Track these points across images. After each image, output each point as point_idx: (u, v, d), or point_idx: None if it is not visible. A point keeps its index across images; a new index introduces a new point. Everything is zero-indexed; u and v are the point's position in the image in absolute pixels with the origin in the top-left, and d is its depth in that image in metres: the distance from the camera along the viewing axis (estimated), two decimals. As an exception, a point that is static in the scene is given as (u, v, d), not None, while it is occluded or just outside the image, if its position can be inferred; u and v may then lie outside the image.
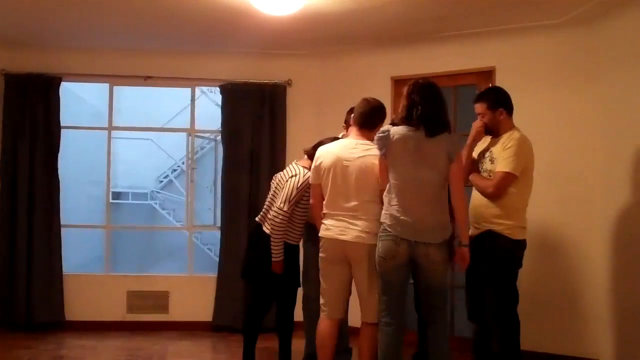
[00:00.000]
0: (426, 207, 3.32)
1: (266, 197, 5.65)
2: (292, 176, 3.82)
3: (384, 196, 3.44)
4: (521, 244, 3.72)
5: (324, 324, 3.66)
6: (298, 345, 4.11)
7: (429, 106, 3.34)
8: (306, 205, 3.88)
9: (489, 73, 4.91)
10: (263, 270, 3.92)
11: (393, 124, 3.43)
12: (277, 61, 5.84)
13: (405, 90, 3.42)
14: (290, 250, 3.95)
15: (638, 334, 4.04)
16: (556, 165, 4.65)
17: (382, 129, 3.43)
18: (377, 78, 5.42)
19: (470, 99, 4.01)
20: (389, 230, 3.34)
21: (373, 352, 3.58)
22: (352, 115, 3.82)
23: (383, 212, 3.41)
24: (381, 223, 3.40)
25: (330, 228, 3.59)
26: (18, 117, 5.61)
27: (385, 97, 5.21)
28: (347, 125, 4.17)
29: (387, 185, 3.42)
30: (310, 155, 3.86)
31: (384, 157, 3.40)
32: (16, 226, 5.58)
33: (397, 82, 5.40)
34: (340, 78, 5.70)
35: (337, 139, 3.87)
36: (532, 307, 4.52)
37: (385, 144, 3.36)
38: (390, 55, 5.43)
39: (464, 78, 5.00)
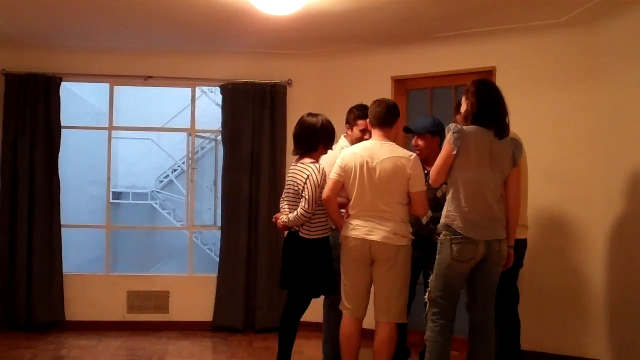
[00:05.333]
0: (494, 205, 3.35)
1: (266, 197, 5.73)
2: (307, 177, 3.73)
3: (448, 197, 3.39)
4: (521, 244, 3.72)
5: (350, 323, 3.71)
6: (297, 346, 4.08)
7: (500, 107, 3.38)
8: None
9: (489, 73, 4.91)
10: (300, 278, 3.84)
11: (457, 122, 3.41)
12: (277, 61, 5.84)
13: (469, 88, 3.40)
14: (323, 245, 3.84)
15: (638, 334, 4.04)
16: (556, 165, 4.65)
17: (452, 126, 3.35)
18: (377, 78, 5.41)
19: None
20: (463, 232, 3.30)
21: (393, 353, 3.65)
22: (368, 117, 3.85)
23: (450, 212, 3.35)
24: (446, 224, 3.35)
25: (357, 228, 3.62)
26: (18, 117, 5.60)
27: (385, 97, 5.21)
28: (349, 125, 4.20)
29: (450, 186, 3.39)
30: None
31: (454, 155, 3.32)
32: (16, 226, 5.57)
33: (397, 82, 5.41)
34: (340, 78, 5.70)
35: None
36: (533, 307, 4.53)
37: (461, 142, 3.30)
38: (390, 55, 5.43)
39: (464, 78, 4.99)
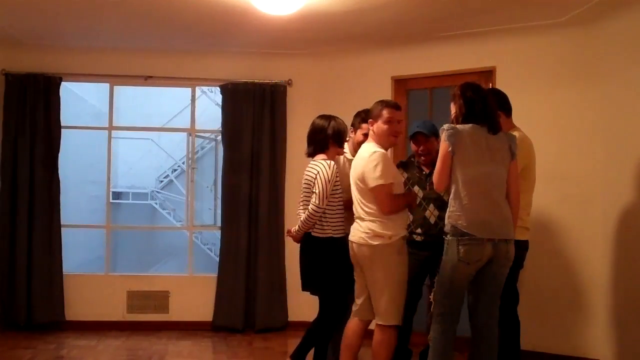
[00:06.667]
0: (501, 203, 3.32)
1: (266, 197, 5.73)
2: (318, 173, 3.71)
3: (450, 197, 3.35)
4: (523, 245, 3.71)
5: (352, 324, 3.71)
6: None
7: (488, 104, 3.39)
8: (336, 197, 3.78)
9: (489, 73, 4.91)
10: (318, 280, 3.80)
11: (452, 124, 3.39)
12: (277, 61, 5.84)
13: (455, 92, 3.43)
14: (336, 245, 3.77)
15: (638, 334, 4.04)
16: (556, 165, 4.64)
17: (446, 126, 3.34)
18: (377, 78, 5.42)
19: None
20: (469, 232, 3.24)
21: (388, 355, 3.59)
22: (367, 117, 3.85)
23: (453, 212, 3.31)
24: (453, 225, 3.29)
25: (348, 232, 3.70)
26: (18, 117, 5.60)
27: (385, 97, 5.21)
28: (354, 128, 4.19)
29: (452, 185, 3.34)
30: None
31: (451, 153, 3.29)
32: (16, 226, 5.57)
33: (397, 82, 5.41)
34: (340, 78, 5.70)
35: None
36: (533, 307, 4.53)
37: (456, 140, 3.27)
38: (390, 55, 5.43)
39: (464, 78, 4.96)
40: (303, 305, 4.02)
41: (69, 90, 7.23)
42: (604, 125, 4.46)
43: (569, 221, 4.63)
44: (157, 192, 12.61)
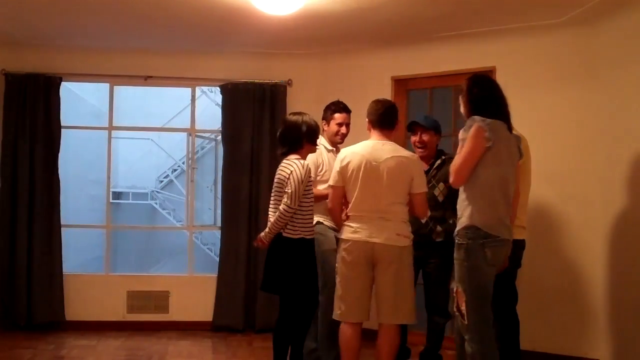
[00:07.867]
0: (510, 203, 3.25)
1: (266, 197, 5.71)
2: (291, 172, 3.63)
3: (466, 196, 3.19)
4: (520, 244, 3.71)
5: (349, 328, 3.64)
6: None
7: (503, 99, 3.25)
8: (308, 198, 3.70)
9: (489, 73, 4.89)
10: (284, 281, 3.69)
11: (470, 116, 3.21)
12: (277, 61, 5.84)
13: (467, 84, 3.30)
14: (307, 247, 3.72)
15: (638, 334, 4.04)
16: (556, 165, 4.65)
17: (478, 118, 3.10)
18: (377, 78, 5.42)
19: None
20: (495, 234, 3.09)
21: (395, 355, 3.61)
22: (343, 112, 4.06)
23: (478, 213, 3.10)
24: (473, 226, 3.10)
25: (358, 230, 3.57)
26: (18, 117, 5.60)
27: (385, 97, 5.21)
28: (326, 121, 4.22)
29: (473, 184, 3.14)
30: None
31: (486, 149, 3.06)
32: (16, 226, 5.57)
33: (397, 82, 5.41)
34: (340, 78, 5.70)
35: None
36: (532, 307, 4.53)
37: (495, 136, 3.07)
38: (390, 55, 5.43)
39: (464, 78, 4.97)
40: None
41: (69, 90, 7.23)
42: (604, 125, 4.45)
43: (569, 221, 4.63)
44: (157, 192, 12.62)
